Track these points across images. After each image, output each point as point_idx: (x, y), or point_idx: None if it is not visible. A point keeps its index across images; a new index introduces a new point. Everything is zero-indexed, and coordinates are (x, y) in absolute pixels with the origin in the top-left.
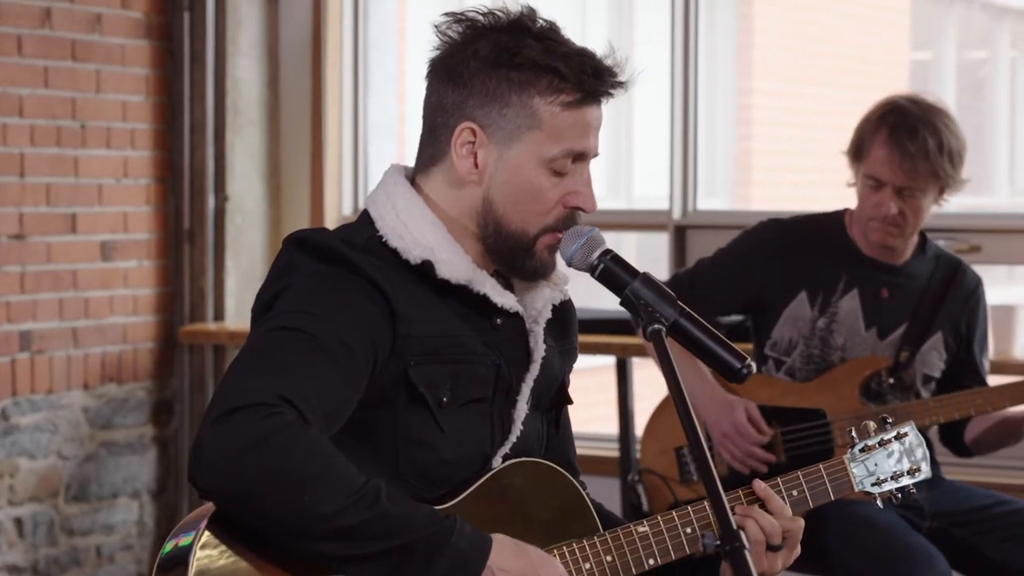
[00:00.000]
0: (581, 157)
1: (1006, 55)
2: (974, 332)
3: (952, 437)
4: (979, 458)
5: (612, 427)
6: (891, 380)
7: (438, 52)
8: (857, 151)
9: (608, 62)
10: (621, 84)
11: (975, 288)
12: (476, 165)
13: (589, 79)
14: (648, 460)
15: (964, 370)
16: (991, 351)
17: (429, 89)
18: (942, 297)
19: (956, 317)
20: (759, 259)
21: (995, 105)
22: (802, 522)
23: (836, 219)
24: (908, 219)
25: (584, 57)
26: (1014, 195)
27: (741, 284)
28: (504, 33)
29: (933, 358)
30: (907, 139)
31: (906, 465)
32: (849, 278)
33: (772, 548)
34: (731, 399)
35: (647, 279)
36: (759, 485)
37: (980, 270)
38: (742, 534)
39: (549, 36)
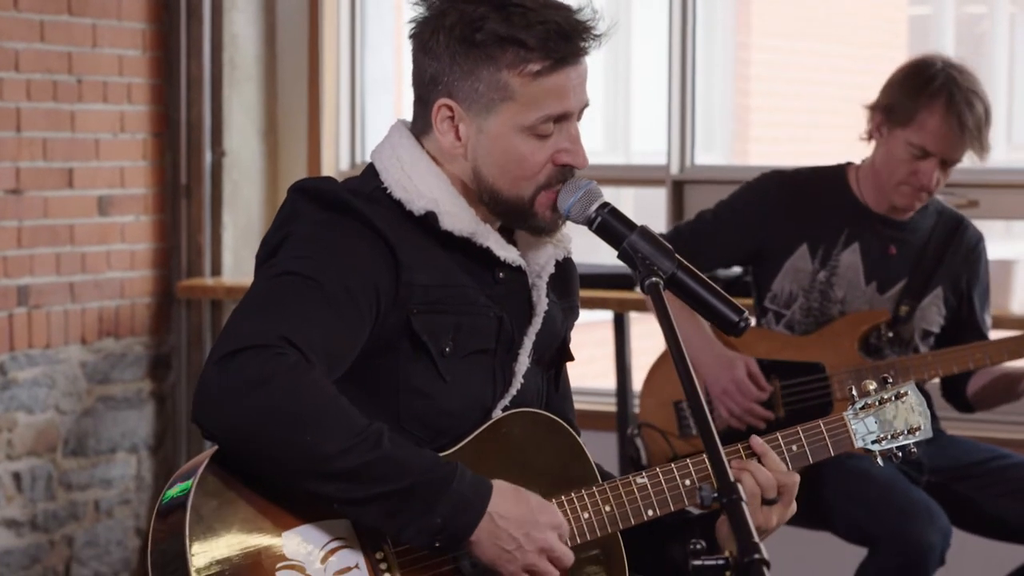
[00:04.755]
0: (563, 117)
1: (1005, 10)
2: (974, 288)
3: (954, 392)
4: (979, 414)
5: (610, 382)
6: (890, 334)
7: (416, 19)
8: (901, 115)
9: (579, 17)
10: (596, 38)
11: (976, 244)
12: (459, 138)
13: (556, 44)
14: (647, 414)
15: (965, 326)
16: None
17: (413, 57)
18: (943, 253)
19: (957, 273)
20: (761, 211)
21: (994, 61)
22: (797, 477)
23: (839, 173)
24: (940, 186)
25: (548, 23)
26: (1012, 151)
27: (743, 236)
28: (470, 2)
29: (932, 313)
30: (967, 114)
31: (906, 424)
32: (851, 232)
33: (767, 502)
34: (730, 355)
35: (645, 232)
36: (756, 440)
37: (978, 225)
38: (740, 487)
39: (512, 2)
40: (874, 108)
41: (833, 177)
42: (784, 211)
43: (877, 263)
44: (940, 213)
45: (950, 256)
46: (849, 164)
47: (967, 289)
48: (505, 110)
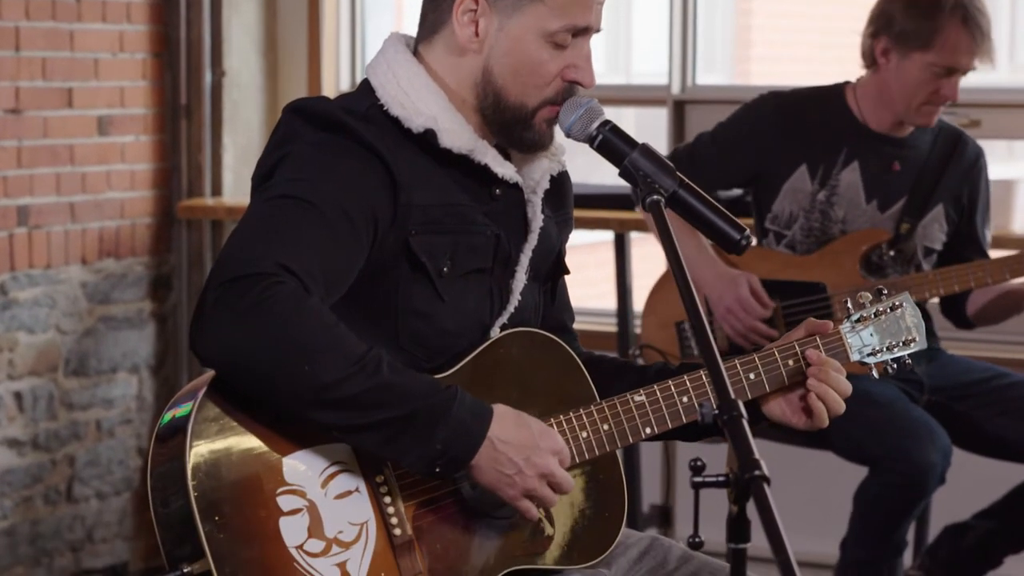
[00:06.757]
0: (583, 32)
1: None
2: (976, 204)
3: (953, 309)
4: (978, 332)
5: (610, 303)
6: (891, 253)
7: None
8: (917, 39)
9: None
10: None
11: (976, 159)
12: (477, 34)
13: None
14: (648, 335)
15: (966, 242)
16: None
17: None
18: (943, 169)
19: (957, 189)
20: (759, 133)
21: None
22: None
23: (836, 92)
24: None
25: None
26: (1014, 70)
27: (741, 158)
28: None
29: (934, 230)
30: (981, 24)
31: (902, 336)
32: (850, 151)
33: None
34: (733, 273)
35: (646, 150)
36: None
37: (979, 144)
38: (740, 404)
39: None
40: (876, 35)
41: (831, 96)
42: (782, 132)
43: (877, 181)
44: (940, 130)
45: (951, 172)
46: (847, 83)
47: (968, 204)
48: (532, 12)
